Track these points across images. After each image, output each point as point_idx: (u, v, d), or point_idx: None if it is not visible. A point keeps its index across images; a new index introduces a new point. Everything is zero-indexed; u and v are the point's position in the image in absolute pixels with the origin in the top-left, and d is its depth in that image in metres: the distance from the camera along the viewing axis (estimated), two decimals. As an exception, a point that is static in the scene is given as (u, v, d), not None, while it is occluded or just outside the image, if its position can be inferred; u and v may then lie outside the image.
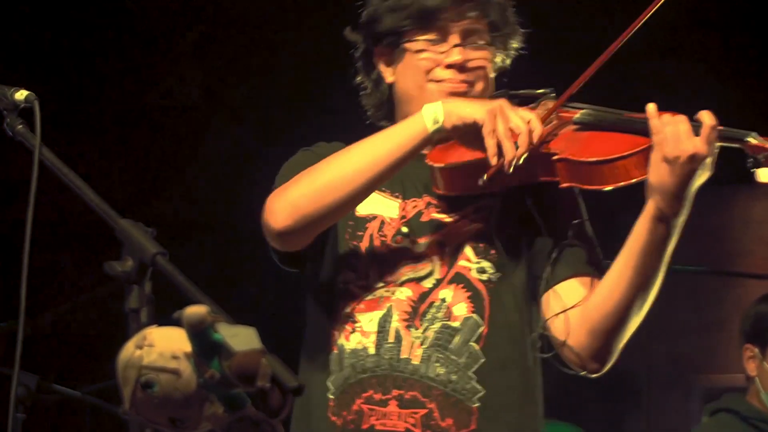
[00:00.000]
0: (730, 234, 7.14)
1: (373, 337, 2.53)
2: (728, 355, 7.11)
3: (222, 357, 1.88)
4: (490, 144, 2.42)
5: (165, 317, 2.58)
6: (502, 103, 2.47)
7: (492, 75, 2.62)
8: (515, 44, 2.66)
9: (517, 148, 2.40)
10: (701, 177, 2.40)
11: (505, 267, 2.55)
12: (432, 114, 2.45)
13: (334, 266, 2.59)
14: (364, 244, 2.58)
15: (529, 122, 2.43)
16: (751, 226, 7.13)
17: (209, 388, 1.90)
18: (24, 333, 2.18)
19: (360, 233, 2.59)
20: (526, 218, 2.55)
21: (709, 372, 7.16)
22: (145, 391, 1.90)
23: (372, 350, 2.52)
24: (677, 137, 2.34)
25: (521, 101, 2.62)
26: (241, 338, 1.88)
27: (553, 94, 2.61)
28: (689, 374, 7.14)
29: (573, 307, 2.50)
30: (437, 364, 2.50)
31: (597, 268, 2.54)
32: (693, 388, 7.17)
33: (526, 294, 2.56)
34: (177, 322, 1.93)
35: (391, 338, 2.52)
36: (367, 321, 2.54)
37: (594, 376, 2.56)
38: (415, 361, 2.50)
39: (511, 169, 2.41)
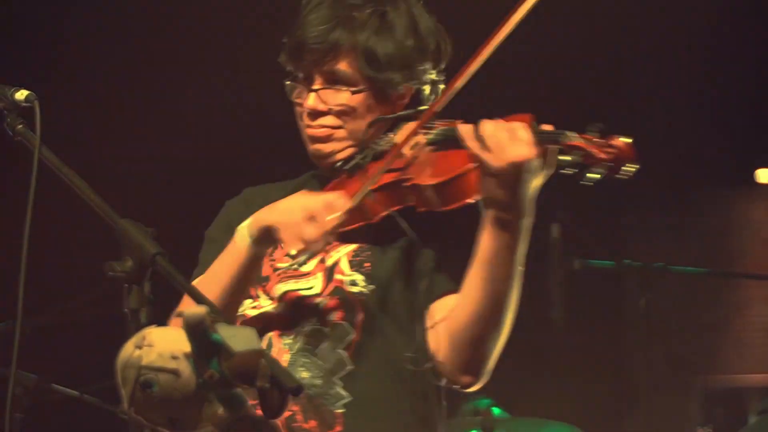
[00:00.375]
0: (730, 235, 7.14)
1: None
2: (728, 356, 7.12)
3: (221, 357, 1.88)
4: (284, 238, 2.45)
5: (164, 317, 2.58)
6: (298, 195, 2.51)
7: (365, 116, 2.62)
8: (424, 74, 2.64)
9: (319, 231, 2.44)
10: (537, 179, 2.36)
11: (379, 280, 2.56)
12: (243, 231, 2.52)
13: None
14: None
15: (326, 205, 2.44)
16: (750, 228, 7.14)
17: (208, 389, 1.90)
18: (22, 333, 2.18)
19: None
20: (404, 233, 2.56)
21: (709, 373, 7.17)
22: (144, 391, 1.90)
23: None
24: (496, 147, 2.32)
25: (393, 123, 2.64)
26: (240, 339, 1.88)
27: (412, 112, 2.62)
28: (688, 375, 7.15)
29: (438, 322, 2.51)
30: (302, 369, 2.51)
31: None
32: (692, 389, 7.18)
33: (404, 307, 2.56)
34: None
35: (263, 346, 2.54)
36: None
37: (469, 390, 2.56)
38: None
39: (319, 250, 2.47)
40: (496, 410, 4.78)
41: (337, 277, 2.56)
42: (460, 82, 2.49)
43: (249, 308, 2.59)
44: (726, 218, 7.16)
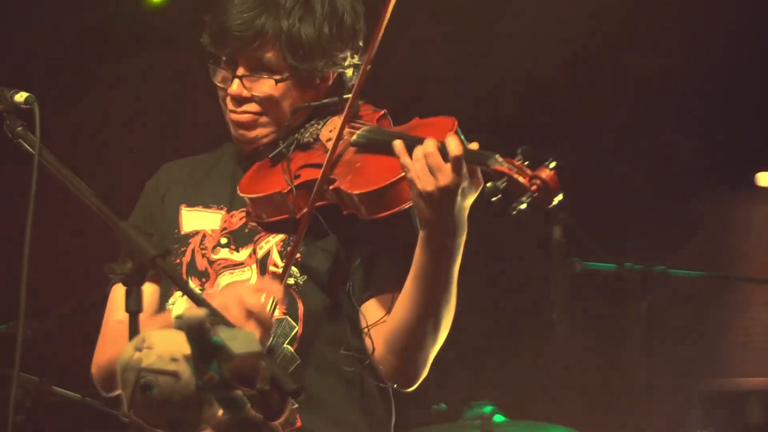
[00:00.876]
0: (730, 238, 7.13)
1: None
2: (728, 359, 7.11)
3: (221, 359, 1.88)
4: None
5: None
6: (232, 290, 2.46)
7: (288, 103, 2.62)
8: (346, 59, 2.64)
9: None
10: (468, 198, 2.39)
11: (310, 271, 2.57)
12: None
13: (165, 290, 2.64)
14: (185, 259, 2.63)
15: (263, 296, 2.43)
16: (751, 231, 7.13)
17: (208, 391, 1.90)
18: (24, 335, 2.18)
19: (183, 249, 2.64)
20: (334, 228, 2.57)
21: (709, 376, 7.15)
22: (144, 394, 1.90)
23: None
24: (426, 174, 2.34)
25: (315, 108, 2.64)
26: (240, 341, 1.88)
27: (336, 100, 2.63)
28: (689, 378, 7.14)
29: (374, 325, 2.52)
30: None
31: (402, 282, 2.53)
32: (693, 393, 7.17)
33: (339, 299, 2.58)
34: (176, 325, 1.93)
35: None
36: None
37: (408, 390, 2.58)
38: None
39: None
40: (499, 417, 4.78)
41: (271, 268, 2.56)
42: (359, 84, 2.52)
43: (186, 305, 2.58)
44: (727, 221, 7.15)
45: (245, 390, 1.91)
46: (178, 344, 1.90)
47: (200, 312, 1.88)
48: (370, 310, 2.55)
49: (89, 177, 2.22)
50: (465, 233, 2.42)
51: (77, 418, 4.87)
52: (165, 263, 2.06)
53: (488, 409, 4.75)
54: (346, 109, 2.53)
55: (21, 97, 2.29)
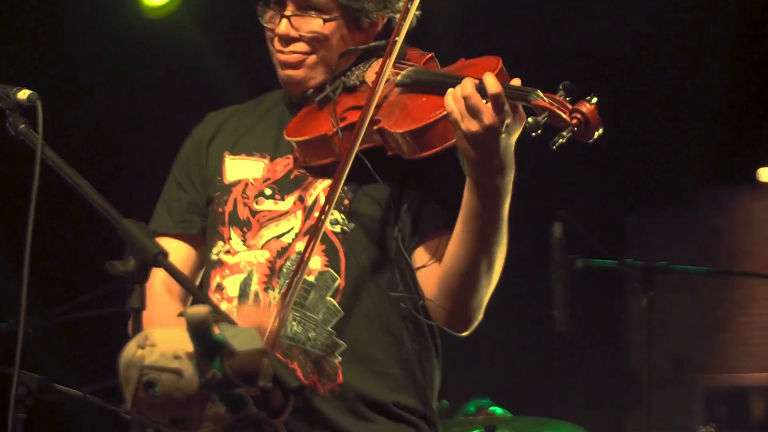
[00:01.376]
0: (732, 234, 7.14)
1: (235, 302, 2.52)
2: (730, 354, 7.12)
3: (224, 357, 1.88)
4: None
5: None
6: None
7: (337, 43, 2.59)
8: (397, 2, 2.61)
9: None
10: (513, 135, 2.36)
11: (359, 218, 2.53)
12: None
13: (210, 239, 2.62)
14: (228, 208, 2.60)
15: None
16: (752, 227, 7.14)
17: (211, 388, 1.90)
18: (25, 333, 2.18)
19: (225, 198, 2.61)
20: (381, 172, 2.53)
21: (711, 372, 7.17)
22: (146, 391, 1.90)
23: (235, 315, 2.47)
24: (467, 114, 2.32)
25: (364, 53, 2.62)
26: (243, 338, 1.88)
27: (384, 43, 2.58)
28: (691, 374, 7.15)
29: (427, 265, 2.50)
30: (294, 323, 2.48)
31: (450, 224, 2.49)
32: (695, 388, 7.18)
33: (386, 247, 2.54)
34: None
35: (251, 301, 2.51)
36: (231, 285, 2.53)
37: (463, 334, 2.56)
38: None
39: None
40: (498, 410, 4.78)
41: (316, 215, 2.51)
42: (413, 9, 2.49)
43: (223, 253, 2.56)
44: (728, 217, 7.16)
45: (248, 387, 1.91)
46: (181, 342, 1.90)
47: (203, 309, 1.88)
48: (420, 255, 2.52)
49: (90, 175, 2.21)
50: (513, 171, 2.39)
51: (79, 415, 4.87)
52: (167, 260, 2.06)
53: (485, 402, 4.75)
54: (388, 47, 2.51)
55: (24, 94, 2.28)
